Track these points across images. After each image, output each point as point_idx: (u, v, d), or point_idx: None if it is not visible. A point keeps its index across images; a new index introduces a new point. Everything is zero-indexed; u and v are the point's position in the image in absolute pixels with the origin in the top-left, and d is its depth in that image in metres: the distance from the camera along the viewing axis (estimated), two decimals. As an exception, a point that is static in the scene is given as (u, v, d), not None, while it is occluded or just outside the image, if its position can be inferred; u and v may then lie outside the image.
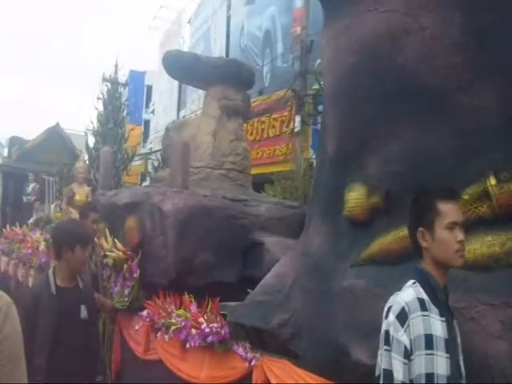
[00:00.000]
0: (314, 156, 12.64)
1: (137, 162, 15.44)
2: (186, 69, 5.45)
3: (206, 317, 3.82)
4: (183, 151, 4.32)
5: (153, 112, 27.74)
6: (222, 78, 5.36)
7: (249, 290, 4.15)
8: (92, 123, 11.04)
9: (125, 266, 4.61)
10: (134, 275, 4.47)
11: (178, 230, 4.16)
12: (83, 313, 2.89)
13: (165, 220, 4.17)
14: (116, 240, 4.76)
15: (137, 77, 26.79)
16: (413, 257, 2.47)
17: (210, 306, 3.94)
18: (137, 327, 4.29)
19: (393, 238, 2.75)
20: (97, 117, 10.79)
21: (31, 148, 13.60)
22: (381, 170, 2.86)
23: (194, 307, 3.96)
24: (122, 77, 24.87)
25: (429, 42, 2.75)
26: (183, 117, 25.83)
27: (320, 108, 12.40)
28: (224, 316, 3.74)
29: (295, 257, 3.36)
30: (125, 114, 11.15)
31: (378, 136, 2.90)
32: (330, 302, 2.93)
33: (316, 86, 12.36)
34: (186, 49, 25.94)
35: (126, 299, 4.51)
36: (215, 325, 3.65)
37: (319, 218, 3.16)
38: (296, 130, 11.53)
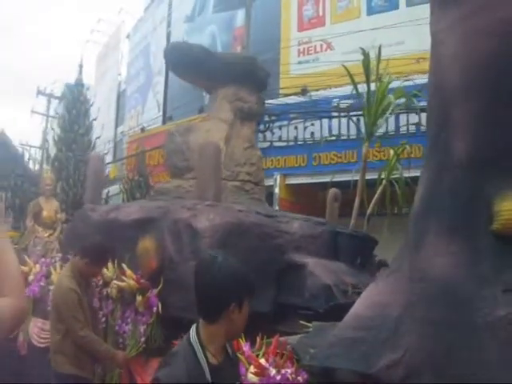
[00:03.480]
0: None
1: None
2: (194, 64, 4.54)
3: (267, 359, 2.92)
4: (216, 156, 3.46)
5: (90, 127, 25.88)
6: (235, 76, 4.52)
7: (304, 323, 3.35)
8: (53, 129, 9.52)
9: (138, 297, 3.57)
10: (154, 309, 3.45)
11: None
12: None
13: (199, 240, 3.28)
14: (124, 265, 3.71)
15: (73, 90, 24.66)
16: None
17: (264, 345, 3.04)
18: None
19: None
20: (58, 123, 9.33)
21: None
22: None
23: (247, 348, 3.04)
24: (58, 90, 23.01)
25: None
26: (121, 133, 24.38)
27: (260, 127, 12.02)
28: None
29: (398, 282, 2.59)
30: (91, 119, 9.77)
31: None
32: (469, 335, 2.25)
33: None
34: (123, 65, 24.65)
35: (142, 339, 3.46)
36: (289, 370, 2.75)
37: (443, 234, 2.41)
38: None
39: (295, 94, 11.60)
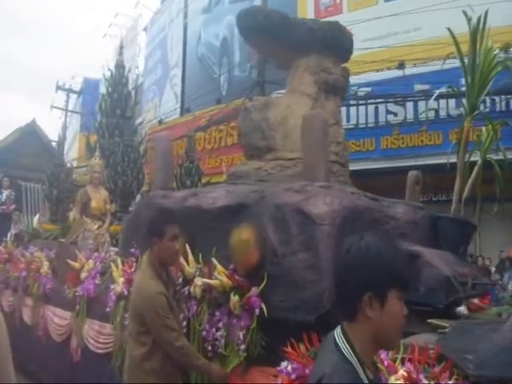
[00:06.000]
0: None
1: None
2: (272, 32, 3.92)
3: (415, 368, 2.35)
4: (323, 129, 2.82)
5: (107, 120, 25.37)
6: (319, 44, 3.88)
7: (434, 321, 2.80)
8: (93, 115, 8.95)
9: (233, 297, 2.96)
10: (256, 311, 2.83)
11: (335, 242, 2.64)
12: None
13: (315, 228, 2.72)
14: (214, 260, 3.10)
15: (91, 85, 24.31)
16: None
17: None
18: (275, 387, 2.67)
19: None
20: (99, 108, 8.72)
21: (3, 149, 10.99)
22: None
23: (384, 355, 2.45)
24: (77, 85, 22.55)
25: None
26: (139, 125, 24.00)
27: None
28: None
29: None
30: (134, 102, 9.15)
31: None
32: None
33: (274, 95, 11.59)
34: (141, 57, 24.18)
35: (242, 347, 2.84)
36: (450, 382, 2.18)
37: None
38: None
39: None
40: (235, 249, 3.09)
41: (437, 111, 10.51)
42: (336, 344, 1.42)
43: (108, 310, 4.23)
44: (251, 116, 4.04)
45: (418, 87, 10.71)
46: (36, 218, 7.82)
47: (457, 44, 3.96)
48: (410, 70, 10.48)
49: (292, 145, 3.96)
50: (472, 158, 4.65)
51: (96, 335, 4.49)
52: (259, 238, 3.03)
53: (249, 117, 4.04)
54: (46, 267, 5.37)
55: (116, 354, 4.06)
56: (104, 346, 4.36)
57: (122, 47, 9.16)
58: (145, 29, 24.04)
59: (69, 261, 4.85)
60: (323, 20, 4.15)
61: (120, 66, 8.71)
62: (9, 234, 7.68)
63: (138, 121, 23.29)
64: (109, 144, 7.70)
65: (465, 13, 4.01)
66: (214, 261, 3.19)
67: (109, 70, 8.67)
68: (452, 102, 9.96)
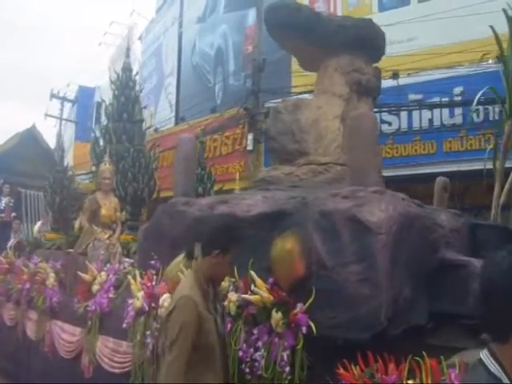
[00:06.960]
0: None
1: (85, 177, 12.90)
2: (303, 28, 3.65)
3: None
4: (374, 131, 2.54)
5: (104, 129, 25.01)
6: (351, 42, 3.63)
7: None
8: (100, 120, 8.59)
9: (275, 314, 2.67)
10: (303, 329, 2.55)
11: (392, 252, 2.38)
12: None
13: (372, 237, 2.46)
14: (252, 273, 2.82)
15: (86, 93, 23.90)
16: None
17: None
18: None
19: None
20: (104, 112, 8.34)
21: (2, 155, 10.55)
22: None
23: (454, 374, 2.21)
24: (71, 93, 22.16)
25: None
26: (147, 128, 23.99)
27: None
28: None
29: None
30: (142, 106, 8.78)
31: None
32: None
33: (268, 105, 11.56)
34: (136, 65, 23.87)
35: (287, 369, 2.56)
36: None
37: None
38: (248, 147, 11.39)
39: (308, 92, 11.13)
40: (278, 260, 2.81)
41: (431, 120, 10.45)
42: (483, 364, 1.29)
43: (125, 326, 3.92)
44: (282, 118, 3.75)
45: (412, 97, 10.67)
46: (36, 227, 7.48)
47: (500, 46, 3.75)
48: (403, 80, 10.43)
49: (324, 148, 3.69)
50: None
51: (111, 353, 4.15)
52: (305, 249, 2.75)
53: (279, 118, 3.76)
54: (51, 279, 5.02)
55: (135, 374, 3.75)
56: (120, 366, 4.02)
57: (128, 49, 8.85)
58: (140, 38, 23.82)
59: (79, 273, 4.51)
60: (354, 17, 3.94)
61: (127, 68, 8.37)
62: (9, 244, 7.32)
63: (145, 125, 23.19)
64: (116, 149, 7.37)
65: (505, 11, 3.80)
66: (253, 274, 2.90)
67: (115, 72, 8.33)
68: (446, 111, 9.90)
